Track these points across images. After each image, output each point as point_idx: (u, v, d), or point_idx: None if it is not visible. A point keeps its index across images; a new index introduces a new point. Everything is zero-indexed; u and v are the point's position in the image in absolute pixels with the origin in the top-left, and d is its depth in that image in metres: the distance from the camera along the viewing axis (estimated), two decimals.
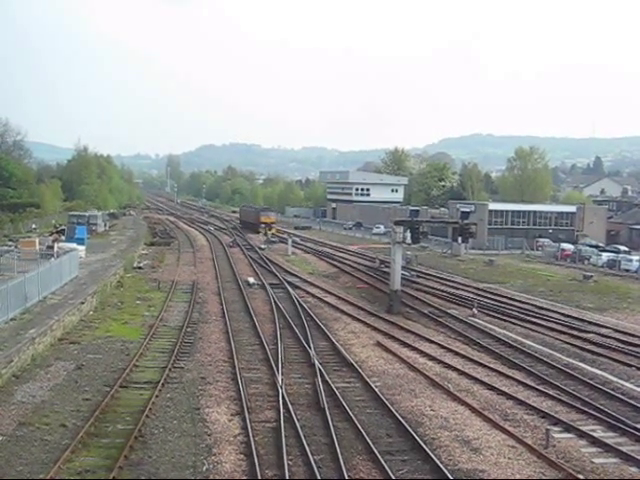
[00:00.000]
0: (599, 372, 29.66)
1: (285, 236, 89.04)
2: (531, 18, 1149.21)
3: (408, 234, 46.02)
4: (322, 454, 19.46)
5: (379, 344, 33.89)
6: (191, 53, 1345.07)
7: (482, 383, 27.44)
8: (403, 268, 51.17)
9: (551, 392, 26.40)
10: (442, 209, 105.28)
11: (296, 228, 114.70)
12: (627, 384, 27.90)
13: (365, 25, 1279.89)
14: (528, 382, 27.84)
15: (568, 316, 42.20)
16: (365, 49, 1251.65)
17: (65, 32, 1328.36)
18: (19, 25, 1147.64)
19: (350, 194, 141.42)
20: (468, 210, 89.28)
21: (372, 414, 23.28)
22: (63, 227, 73.32)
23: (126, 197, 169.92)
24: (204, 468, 18.28)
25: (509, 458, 19.63)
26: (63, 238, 62.88)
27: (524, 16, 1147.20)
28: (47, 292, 36.86)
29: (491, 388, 26.78)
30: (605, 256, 70.40)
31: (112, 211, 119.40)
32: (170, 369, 27.51)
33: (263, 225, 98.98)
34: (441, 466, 18.52)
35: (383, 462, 18.62)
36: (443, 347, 33.96)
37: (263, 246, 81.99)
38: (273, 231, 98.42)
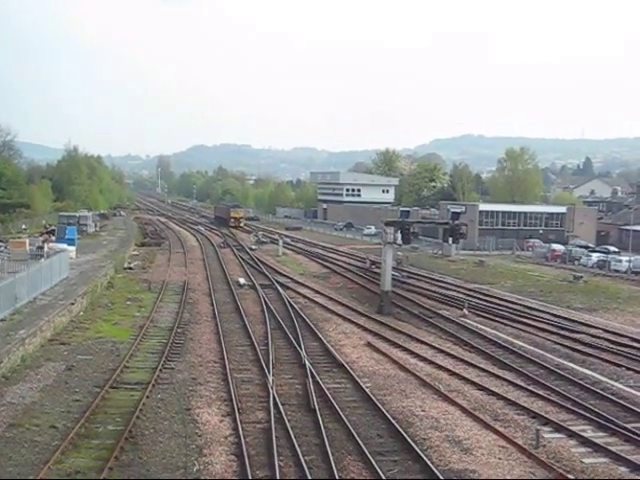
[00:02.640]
0: (589, 372, 29.76)
1: (276, 237, 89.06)
2: (521, 20, 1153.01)
3: (399, 235, 46.14)
4: (313, 455, 19.45)
5: (370, 345, 33.91)
6: (182, 54, 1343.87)
7: (473, 383, 27.48)
8: (394, 269, 51.25)
9: (541, 392, 26.46)
10: (433, 210, 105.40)
11: (287, 229, 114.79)
12: (617, 384, 28.02)
13: (357, 27, 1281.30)
14: (519, 382, 27.90)
15: (558, 316, 42.34)
16: (356, 52, 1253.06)
17: (56, 31, 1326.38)
18: (9, 23, 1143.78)
19: (341, 195, 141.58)
20: (459, 211, 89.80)
21: (363, 415, 23.28)
22: (53, 228, 73.03)
23: (116, 198, 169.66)
24: (195, 469, 18.25)
25: (499, 458, 19.68)
26: (53, 239, 62.66)
27: (515, 18, 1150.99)
28: (37, 293, 36.73)
29: (482, 388, 26.82)
30: (595, 257, 70.71)
31: (102, 212, 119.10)
32: (161, 370, 27.44)
33: (233, 220, 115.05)
34: (432, 466, 18.55)
35: (374, 462, 18.63)
36: (434, 348, 33.99)
37: (254, 247, 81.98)
38: (242, 225, 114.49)
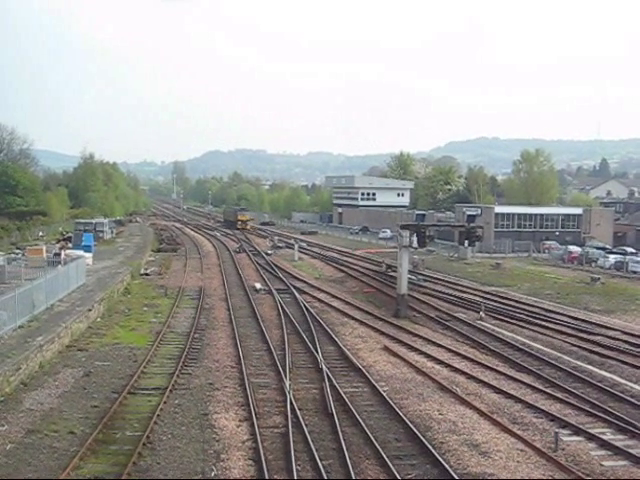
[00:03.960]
0: (607, 374, 29.58)
1: (291, 241, 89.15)
2: (535, 21, 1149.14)
3: (414, 238, 46.00)
4: (331, 459, 19.43)
5: (386, 348, 33.86)
6: (197, 59, 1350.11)
7: (490, 386, 27.37)
8: (410, 272, 51.12)
9: (559, 395, 26.33)
10: (448, 213, 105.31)
11: (302, 233, 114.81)
12: (636, 386, 27.81)
13: (370, 27, 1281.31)
14: (536, 385, 27.77)
15: (576, 319, 42.08)
16: (369, 52, 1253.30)
17: (71, 40, 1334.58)
18: (24, 33, 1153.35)
19: (356, 199, 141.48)
20: (474, 213, 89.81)
21: (380, 419, 23.25)
22: (70, 234, 73.58)
23: (132, 204, 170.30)
24: (212, 474, 18.27)
25: (518, 461, 19.57)
26: (70, 245, 63.07)
27: (527, 19, 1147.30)
28: (54, 299, 36.89)
29: (499, 391, 26.71)
30: (612, 258, 70.16)
31: (119, 218, 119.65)
32: (178, 375, 27.52)
33: (240, 222, 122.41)
34: (450, 470, 18.48)
35: (392, 466, 18.59)
36: (451, 351, 33.90)
37: (270, 251, 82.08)
38: (248, 227, 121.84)
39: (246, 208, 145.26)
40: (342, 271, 65.42)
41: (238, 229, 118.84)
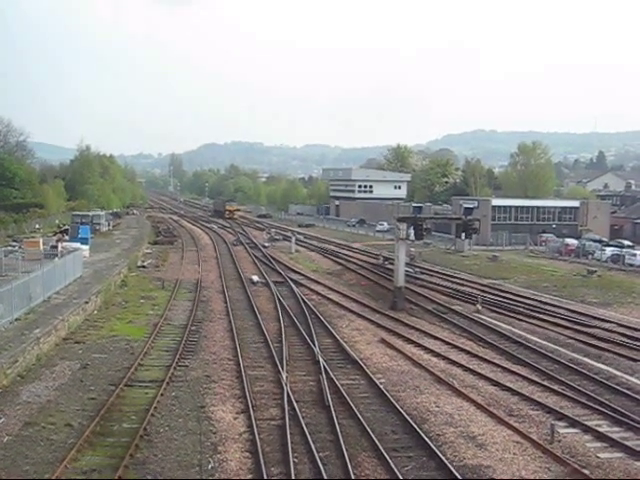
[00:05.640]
0: (604, 367, 29.64)
1: (288, 234, 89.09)
2: (533, 14, 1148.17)
3: (412, 231, 46.01)
4: (327, 451, 19.47)
5: (383, 341, 33.90)
6: (192, 52, 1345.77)
7: (487, 379, 27.44)
8: (407, 265, 51.12)
9: (556, 387, 26.41)
10: (445, 205, 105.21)
11: (299, 226, 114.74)
12: (632, 379, 27.89)
13: (366, 23, 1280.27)
14: (533, 378, 27.83)
15: (572, 311, 42.16)
16: (367, 46, 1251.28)
17: (69, 34, 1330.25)
18: (22, 23, 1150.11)
19: (353, 191, 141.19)
20: (471, 206, 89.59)
21: (377, 411, 23.29)
22: (67, 227, 73.36)
23: (129, 196, 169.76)
24: (210, 466, 18.30)
25: (514, 454, 19.63)
26: (67, 238, 62.94)
27: (526, 12, 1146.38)
28: (51, 292, 36.87)
29: (496, 384, 26.77)
30: (609, 251, 70.19)
31: (115, 210, 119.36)
32: (175, 367, 27.53)
33: (228, 212, 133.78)
34: (446, 462, 18.53)
35: (388, 458, 18.63)
36: (448, 343, 33.96)
37: (267, 244, 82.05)
38: (235, 216, 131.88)
39: (234, 199, 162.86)
40: (339, 264, 65.44)
41: (227, 218, 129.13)
